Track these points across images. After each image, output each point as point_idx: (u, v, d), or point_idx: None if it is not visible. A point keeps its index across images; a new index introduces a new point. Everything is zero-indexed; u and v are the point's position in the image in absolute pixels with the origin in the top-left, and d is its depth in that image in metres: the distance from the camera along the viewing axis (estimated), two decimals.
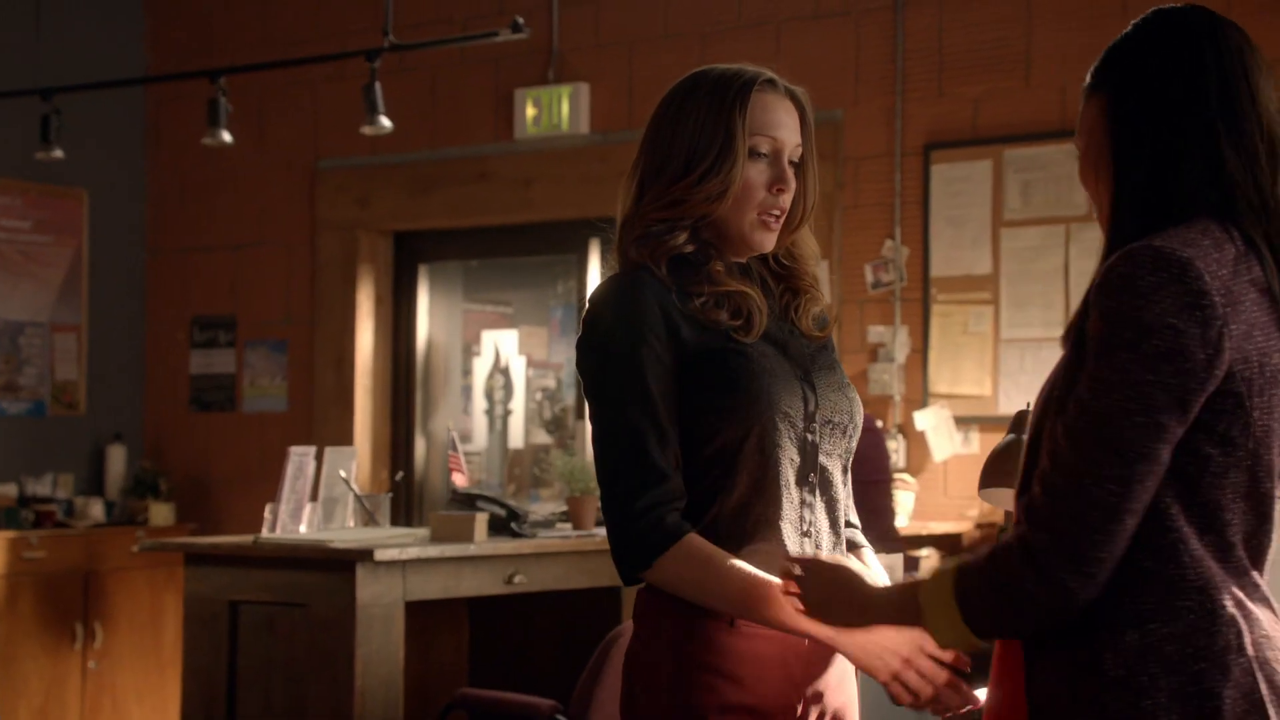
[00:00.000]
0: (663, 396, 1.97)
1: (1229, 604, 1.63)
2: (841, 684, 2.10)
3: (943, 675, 1.96)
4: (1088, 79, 1.78)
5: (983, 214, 5.20)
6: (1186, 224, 1.65)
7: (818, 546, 2.05)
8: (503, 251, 6.37)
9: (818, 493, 2.05)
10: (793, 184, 2.05)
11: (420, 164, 6.27)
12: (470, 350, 6.68)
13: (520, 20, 4.82)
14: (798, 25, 5.56)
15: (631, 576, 2.00)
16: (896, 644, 1.93)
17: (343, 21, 6.32)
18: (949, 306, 5.25)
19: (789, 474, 2.00)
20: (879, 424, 4.92)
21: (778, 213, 2.05)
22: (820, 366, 2.09)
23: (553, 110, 5.91)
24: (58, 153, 5.58)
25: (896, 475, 5.05)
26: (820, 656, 2.05)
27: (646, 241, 2.05)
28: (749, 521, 2.00)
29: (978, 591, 1.68)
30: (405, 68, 6.17)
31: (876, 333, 5.36)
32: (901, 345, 5.32)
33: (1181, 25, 1.72)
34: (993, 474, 2.35)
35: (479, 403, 6.59)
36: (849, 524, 2.14)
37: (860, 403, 2.14)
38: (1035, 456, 1.69)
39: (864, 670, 1.98)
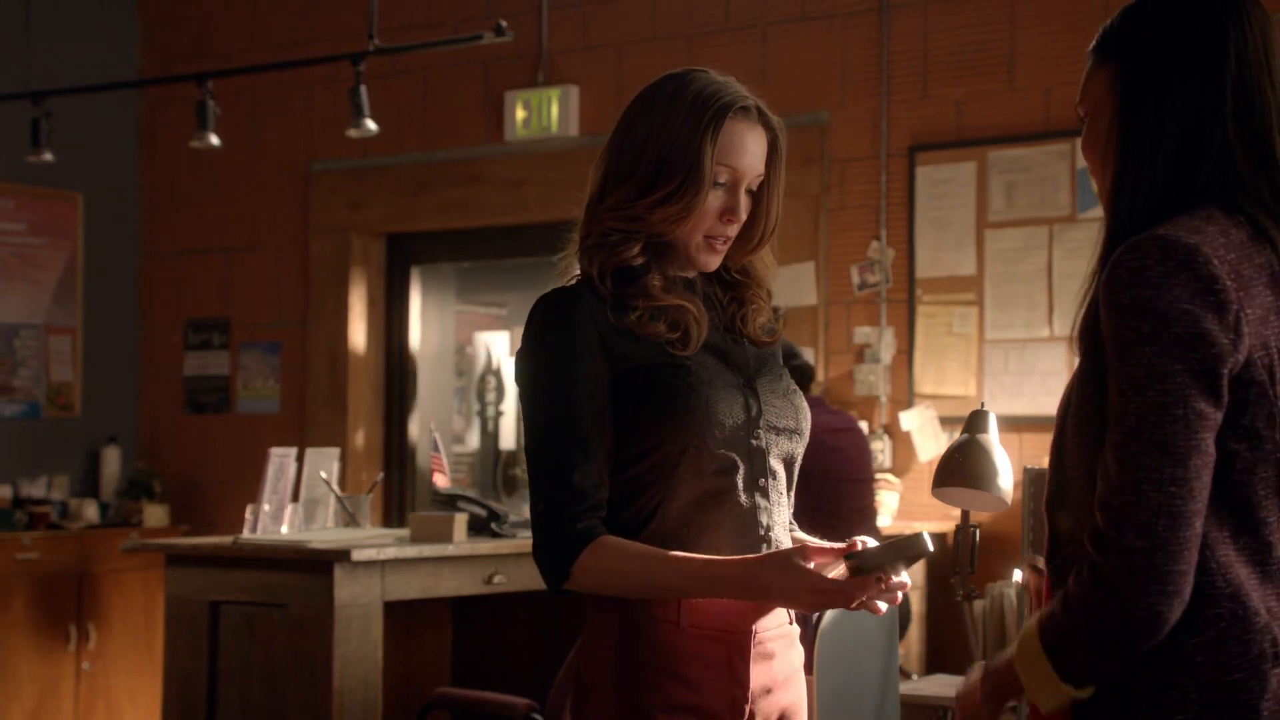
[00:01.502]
0: (593, 415, 1.98)
1: (1261, 611, 1.56)
2: (790, 682, 2.11)
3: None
4: (1097, 42, 1.71)
5: (967, 215, 5.22)
6: (1190, 211, 1.60)
7: (772, 550, 2.07)
8: (494, 253, 6.40)
9: (770, 496, 2.07)
10: (742, 215, 2.06)
11: (412, 166, 6.30)
12: (463, 352, 6.71)
13: (504, 24, 4.85)
14: (784, 28, 5.59)
15: (555, 587, 2.03)
16: (804, 583, 1.92)
17: (335, 25, 6.35)
18: (934, 307, 5.27)
19: (735, 480, 2.02)
20: (862, 425, 4.94)
21: (724, 239, 2.06)
22: (764, 374, 2.10)
23: (543, 112, 5.94)
24: (48, 156, 5.61)
25: (881, 475, 5.07)
26: (767, 655, 2.06)
27: (600, 250, 2.06)
28: (692, 530, 2.01)
29: (1066, 643, 1.58)
30: (397, 70, 6.20)
31: (862, 334, 5.38)
32: (887, 346, 5.34)
33: None
34: (947, 474, 2.37)
35: (471, 404, 6.62)
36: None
37: (807, 408, 2.16)
38: (1060, 470, 1.65)
39: (785, 605, 2.00)
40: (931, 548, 1.90)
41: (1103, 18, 5.23)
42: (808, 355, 5.02)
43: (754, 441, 2.04)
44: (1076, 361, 1.68)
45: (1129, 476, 1.52)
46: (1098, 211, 4.95)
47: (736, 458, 2.02)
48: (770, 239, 2.13)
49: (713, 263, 2.08)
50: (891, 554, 1.90)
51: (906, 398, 5.31)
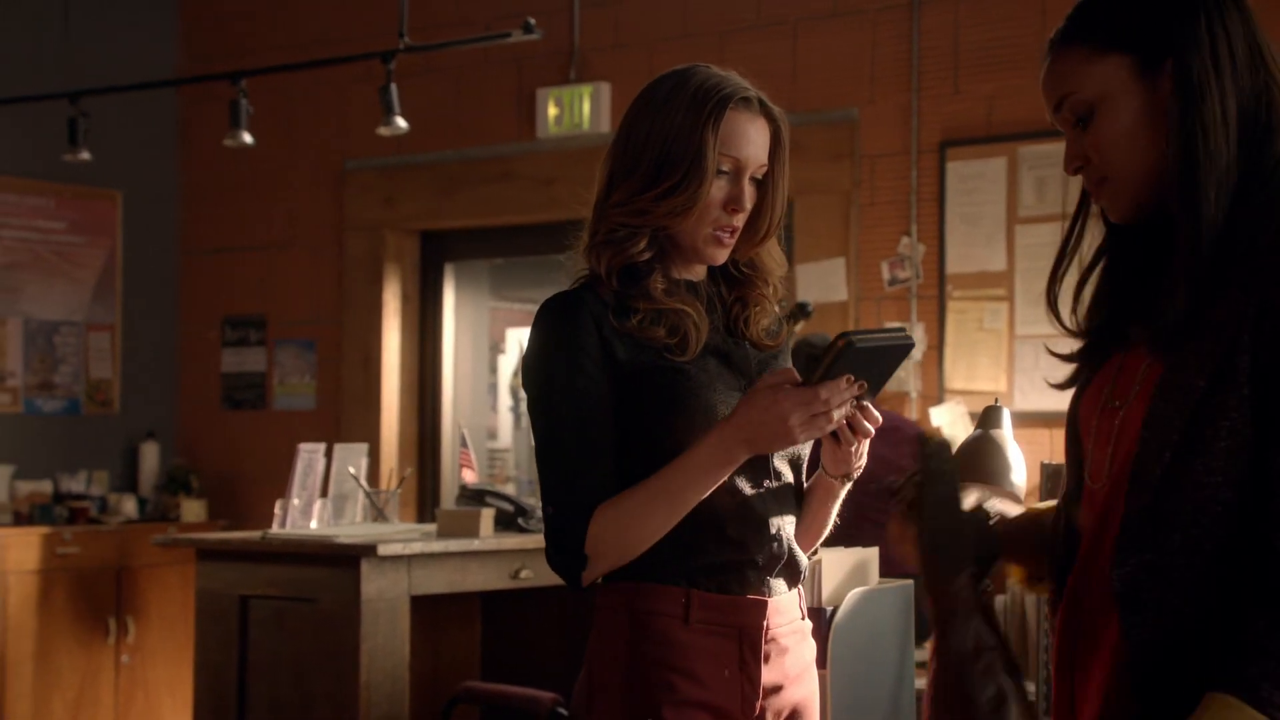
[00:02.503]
0: (598, 419, 2.00)
1: None
2: (802, 678, 2.12)
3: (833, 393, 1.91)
4: (1088, 29, 1.66)
5: (998, 211, 5.20)
6: None
7: (783, 546, 2.08)
8: (527, 250, 6.42)
9: (776, 497, 2.08)
10: (747, 204, 2.06)
11: (445, 164, 6.34)
12: (496, 348, 6.74)
13: (532, 21, 4.87)
14: (815, 24, 5.58)
15: (576, 584, 2.04)
16: (775, 409, 1.91)
17: (369, 24, 6.38)
18: (964, 303, 5.26)
19: (740, 483, 2.02)
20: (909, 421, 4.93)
21: (730, 230, 2.07)
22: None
23: (574, 110, 5.96)
24: (85, 155, 5.67)
25: None
26: (778, 651, 2.07)
27: (608, 247, 2.07)
28: (697, 531, 2.02)
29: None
30: (430, 68, 6.24)
31: None
32: (918, 342, 5.33)
33: None
34: (962, 469, 2.37)
35: (504, 400, 6.65)
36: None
37: None
38: (1184, 473, 1.56)
39: (775, 449, 1.97)
40: (911, 342, 1.89)
41: None
42: None
43: None
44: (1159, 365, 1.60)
45: None
46: None
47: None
48: (776, 231, 2.13)
49: (720, 255, 2.09)
50: (861, 354, 1.87)
51: (937, 393, 5.30)
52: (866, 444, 2.03)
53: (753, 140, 2.06)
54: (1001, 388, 5.16)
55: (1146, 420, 1.60)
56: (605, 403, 2.00)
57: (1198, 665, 1.54)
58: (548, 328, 2.04)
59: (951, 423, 5.20)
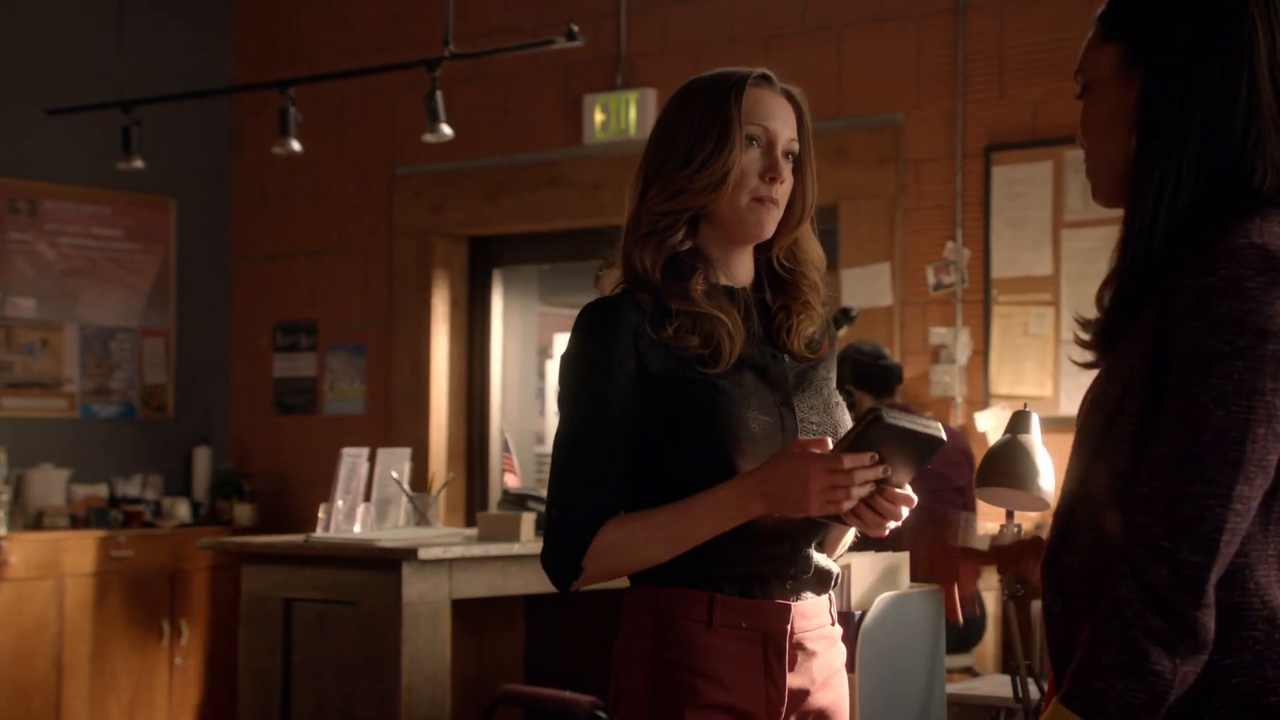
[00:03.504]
0: (619, 430, 1.99)
1: None
2: (829, 683, 2.11)
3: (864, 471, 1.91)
4: (1105, 11, 1.66)
5: (1043, 215, 5.18)
6: (1261, 215, 1.53)
7: (810, 561, 2.07)
8: (574, 255, 6.45)
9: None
10: (785, 174, 2.07)
11: (493, 170, 6.38)
12: (544, 353, 6.77)
13: (575, 29, 4.90)
14: (860, 29, 5.58)
15: (565, 588, 2.05)
16: (800, 469, 1.91)
17: (418, 32, 6.43)
18: (1010, 308, 5.24)
19: None
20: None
21: (771, 200, 2.06)
22: (804, 388, 2.09)
23: (621, 116, 5.98)
24: (138, 163, 5.76)
25: None
26: (805, 655, 2.07)
27: (650, 239, 2.08)
28: (727, 541, 2.02)
29: (1099, 684, 1.49)
30: (478, 75, 6.28)
31: (938, 334, 5.36)
32: (963, 347, 5.31)
33: None
34: (990, 474, 2.37)
35: (552, 405, 6.67)
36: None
37: (849, 421, 2.12)
38: (1090, 475, 1.59)
39: (789, 512, 1.96)
40: (942, 436, 1.88)
41: None
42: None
43: None
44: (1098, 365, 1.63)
45: (1195, 490, 1.48)
46: None
47: None
48: (810, 214, 2.14)
49: (765, 226, 2.06)
50: (890, 432, 1.87)
51: (982, 398, 5.28)
52: (892, 524, 2.02)
53: (777, 114, 2.07)
54: (1047, 392, 5.14)
55: (1079, 427, 1.64)
56: (630, 415, 2.01)
57: None
58: (584, 334, 2.05)
59: (997, 428, 5.18)
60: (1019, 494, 2.37)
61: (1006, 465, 2.34)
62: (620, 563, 2.01)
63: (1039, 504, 2.40)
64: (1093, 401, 1.64)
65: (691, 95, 2.09)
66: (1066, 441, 4.91)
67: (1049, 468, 2.40)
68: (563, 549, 2.02)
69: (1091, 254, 5.08)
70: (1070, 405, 5.04)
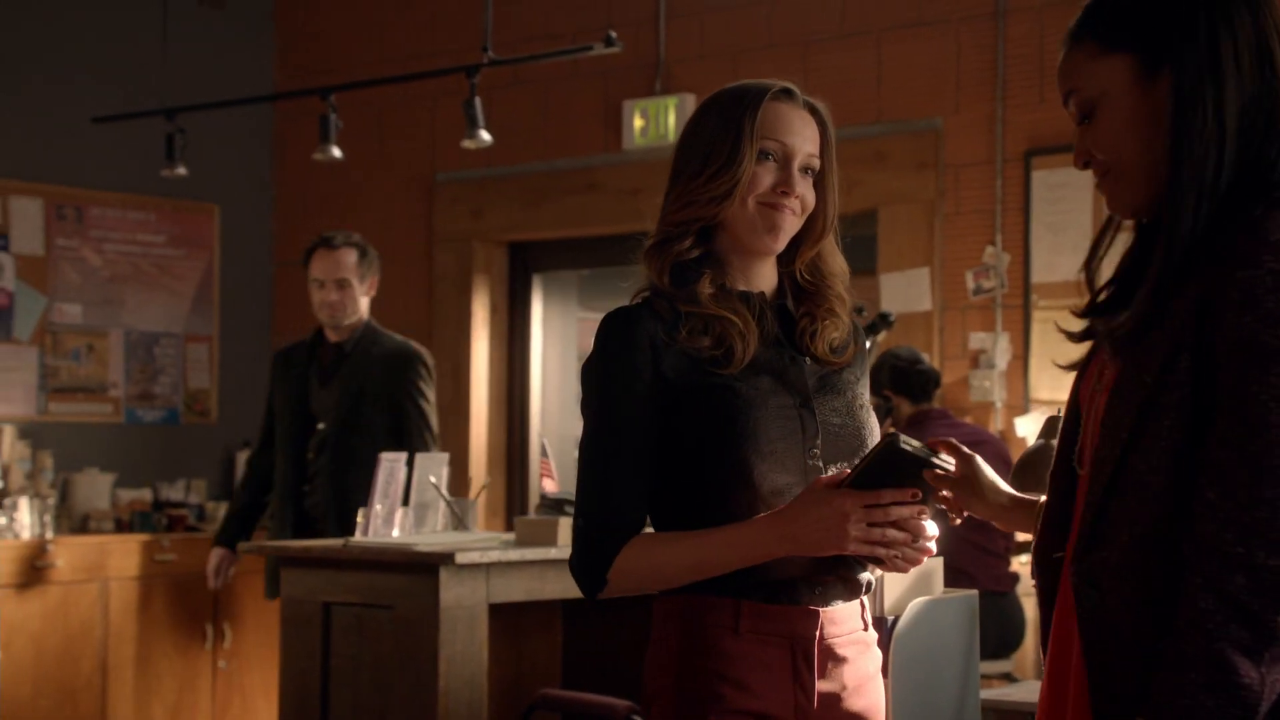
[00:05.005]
0: (640, 437, 2.01)
1: None
2: (862, 688, 2.10)
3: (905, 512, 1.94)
4: (1094, 26, 1.67)
5: (1083, 220, 5.15)
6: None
7: (834, 572, 2.07)
8: (613, 260, 6.45)
9: None
10: (799, 189, 2.07)
11: (532, 176, 6.40)
12: (583, 358, 6.79)
13: (614, 34, 4.92)
14: (899, 34, 5.57)
15: (592, 595, 2.07)
16: (833, 506, 1.93)
17: (458, 38, 6.47)
18: (1050, 313, 5.21)
19: (789, 500, 2.02)
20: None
21: (782, 210, 2.06)
22: (826, 391, 2.10)
23: (659, 121, 6.00)
24: (181, 170, 5.81)
25: None
26: (835, 661, 2.07)
27: (660, 247, 2.10)
28: None
29: (1188, 701, 1.48)
30: (518, 82, 6.31)
31: (978, 339, 5.34)
32: (1003, 352, 5.29)
33: None
34: (1022, 478, 2.36)
35: None
36: None
37: (875, 424, 2.14)
38: (1127, 470, 1.58)
39: (820, 552, 1.96)
40: (950, 469, 1.90)
41: None
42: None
43: (810, 462, 2.04)
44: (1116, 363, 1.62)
45: (1266, 492, 1.47)
46: None
47: (791, 480, 2.02)
48: (831, 229, 2.14)
49: (774, 240, 2.07)
50: (904, 459, 1.88)
51: (1022, 403, 5.26)
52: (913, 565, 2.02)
53: (797, 130, 2.08)
54: None
55: (1104, 419, 1.63)
56: (649, 424, 2.02)
57: (1147, 658, 1.55)
58: (603, 343, 2.07)
59: (1037, 434, 5.15)
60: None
61: (1040, 470, 2.33)
62: (643, 582, 2.04)
63: None
64: (1116, 392, 1.62)
65: (710, 108, 2.11)
66: None
67: None
68: (588, 560, 2.04)
69: None
70: None
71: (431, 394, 4.71)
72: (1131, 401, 1.59)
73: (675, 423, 2.02)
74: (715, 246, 2.10)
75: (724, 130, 2.05)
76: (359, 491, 4.42)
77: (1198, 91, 1.61)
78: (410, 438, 4.58)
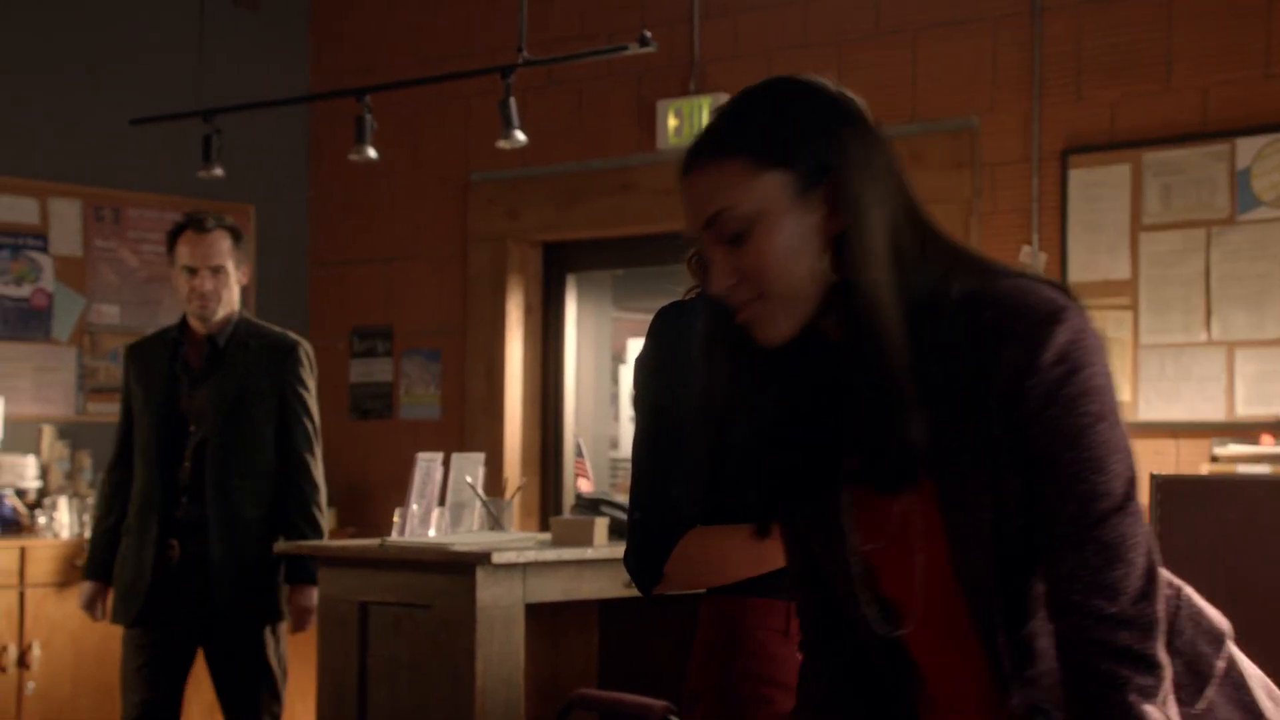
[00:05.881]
0: (696, 430, 2.02)
1: None
2: None
3: None
4: (744, 145, 1.63)
5: (1121, 219, 5.13)
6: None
7: None
8: (648, 260, 6.47)
9: None
10: None
11: (566, 175, 6.41)
12: (618, 358, 6.79)
13: (648, 34, 4.92)
14: (935, 32, 5.55)
15: (647, 591, 2.06)
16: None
17: (492, 39, 6.48)
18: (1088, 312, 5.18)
19: None
20: None
21: None
22: None
23: (694, 121, 5.99)
24: (218, 171, 5.83)
25: None
26: None
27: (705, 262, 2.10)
28: None
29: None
30: (553, 82, 6.32)
31: None
32: None
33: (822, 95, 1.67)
34: None
35: (626, 410, 6.69)
36: None
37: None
38: (1026, 624, 1.60)
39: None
40: None
41: (1265, 14, 5.07)
42: None
43: None
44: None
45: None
46: (1259, 213, 4.85)
47: None
48: None
49: None
50: None
51: None
52: None
53: None
54: (1125, 397, 5.08)
55: (960, 569, 1.59)
56: (704, 418, 2.02)
57: None
58: (656, 338, 2.07)
59: None
60: None
61: None
62: (700, 576, 2.03)
63: None
64: (955, 537, 1.60)
65: None
66: (1152, 446, 4.84)
67: None
68: (644, 555, 2.04)
69: (1170, 257, 5.03)
70: (1149, 410, 4.99)
71: (313, 385, 4.42)
72: (982, 545, 1.57)
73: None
74: None
75: None
76: (246, 505, 4.21)
77: (866, 201, 1.59)
78: (290, 430, 4.31)
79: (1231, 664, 1.67)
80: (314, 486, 4.38)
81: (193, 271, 4.26)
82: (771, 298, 1.60)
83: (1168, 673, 1.52)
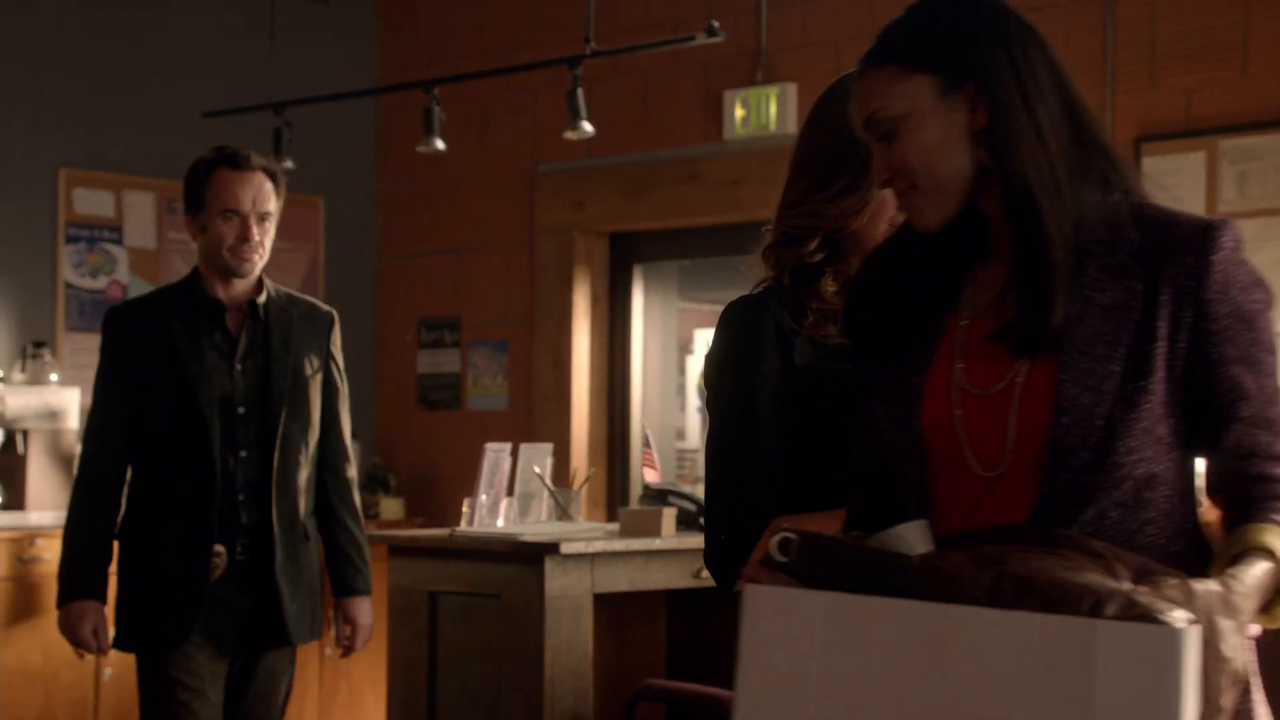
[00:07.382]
0: (769, 423, 2.01)
1: None
2: None
3: None
4: (894, 50, 1.79)
5: (1196, 207, 5.05)
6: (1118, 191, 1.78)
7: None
8: (714, 251, 6.45)
9: None
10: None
11: (633, 166, 6.40)
12: (685, 349, 6.78)
13: (715, 24, 4.90)
14: None
15: (727, 591, 2.05)
16: None
17: (559, 30, 6.48)
18: None
19: None
20: None
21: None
22: None
23: (761, 111, 5.97)
24: (288, 163, 5.87)
25: None
26: None
27: (781, 248, 2.08)
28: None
29: None
30: (618, 72, 6.31)
31: None
32: None
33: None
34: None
35: (692, 400, 6.68)
36: None
37: None
38: (1095, 483, 1.68)
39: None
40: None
41: None
42: None
43: None
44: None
45: None
46: None
47: None
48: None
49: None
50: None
51: None
52: None
53: None
54: None
55: (1064, 408, 1.69)
56: (779, 410, 2.01)
57: None
58: (729, 331, 2.06)
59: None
60: None
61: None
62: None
63: None
64: (1071, 379, 1.70)
65: (832, 107, 2.07)
66: None
67: None
68: (721, 557, 2.02)
69: (1247, 245, 4.95)
70: None
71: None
72: (1098, 391, 1.69)
73: (804, 409, 2.01)
74: (840, 246, 2.08)
75: (850, 141, 1.99)
76: (305, 501, 3.53)
77: (1010, 101, 1.74)
78: (336, 413, 3.65)
79: None
80: (355, 479, 3.80)
81: (229, 216, 3.48)
82: (921, 190, 1.76)
83: None
